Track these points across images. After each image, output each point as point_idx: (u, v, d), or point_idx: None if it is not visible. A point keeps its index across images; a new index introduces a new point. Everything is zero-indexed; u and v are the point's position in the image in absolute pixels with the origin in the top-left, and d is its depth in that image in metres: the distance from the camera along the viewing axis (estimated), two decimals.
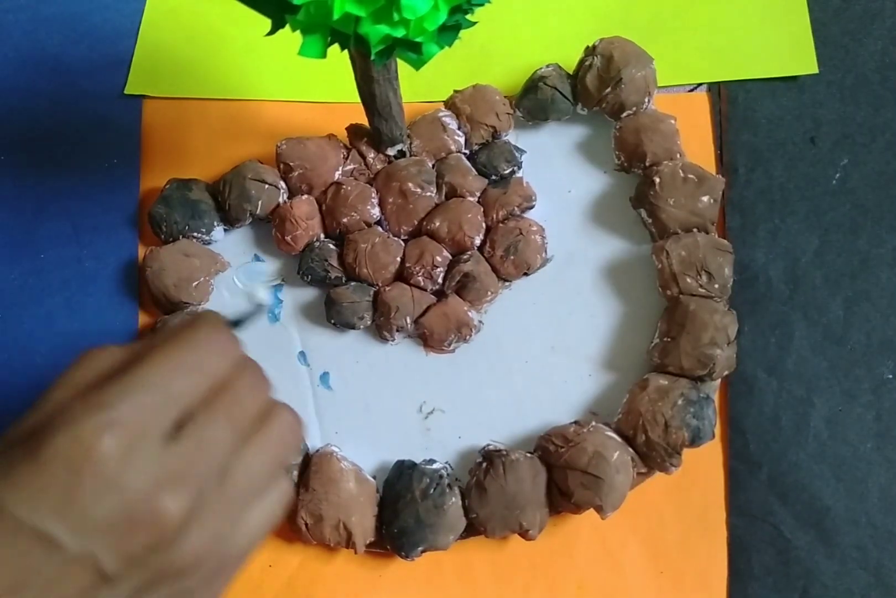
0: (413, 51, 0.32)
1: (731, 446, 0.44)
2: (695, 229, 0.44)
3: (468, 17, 0.33)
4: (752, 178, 0.47)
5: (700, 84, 0.50)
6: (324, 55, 0.31)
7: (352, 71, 0.38)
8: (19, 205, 0.51)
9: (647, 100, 0.45)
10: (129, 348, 0.27)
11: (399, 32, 0.30)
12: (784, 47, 0.49)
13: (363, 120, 0.44)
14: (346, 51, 0.33)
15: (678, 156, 0.45)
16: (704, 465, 0.44)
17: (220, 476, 0.25)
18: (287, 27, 0.31)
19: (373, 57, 0.30)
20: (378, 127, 0.43)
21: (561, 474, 0.40)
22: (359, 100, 0.41)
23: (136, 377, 0.24)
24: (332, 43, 0.31)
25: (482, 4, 0.32)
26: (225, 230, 0.48)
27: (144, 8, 0.54)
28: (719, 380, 0.43)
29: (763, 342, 0.45)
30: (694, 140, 0.47)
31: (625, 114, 0.46)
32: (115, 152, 0.51)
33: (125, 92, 0.52)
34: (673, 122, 0.45)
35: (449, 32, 0.32)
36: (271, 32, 0.32)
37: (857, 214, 0.46)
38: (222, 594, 0.27)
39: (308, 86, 0.52)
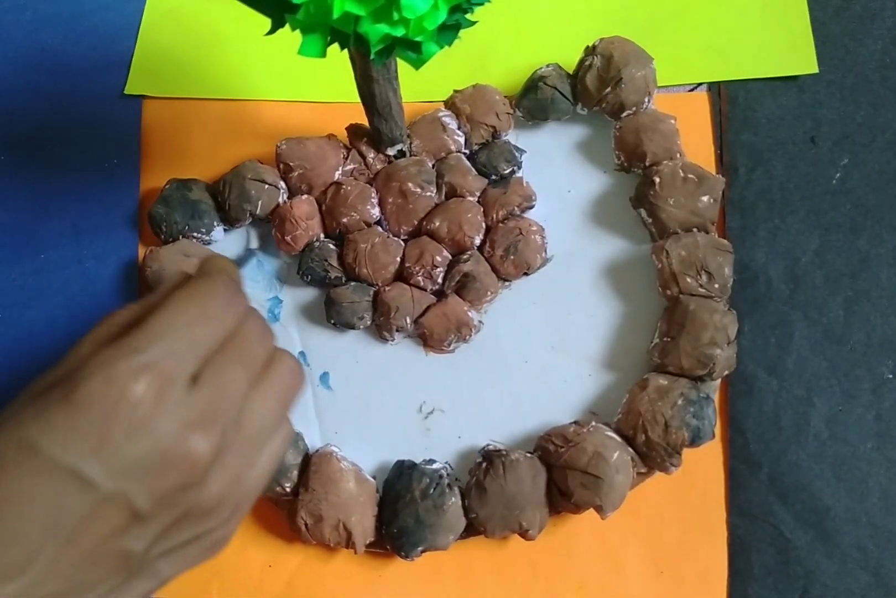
0: (413, 50, 0.32)
1: (731, 446, 0.44)
2: (695, 229, 0.44)
3: (468, 16, 0.33)
4: (752, 178, 0.47)
5: (700, 84, 0.50)
6: (323, 55, 0.31)
7: (352, 71, 0.38)
8: (19, 205, 0.51)
9: (647, 100, 0.45)
10: (146, 300, 0.27)
11: (399, 32, 0.30)
12: (784, 47, 0.49)
13: (363, 120, 0.44)
14: (345, 50, 0.33)
15: (678, 156, 0.45)
16: (704, 465, 0.44)
17: (236, 419, 0.26)
18: (287, 27, 0.31)
19: (372, 56, 0.30)
20: (378, 127, 0.43)
21: (561, 475, 0.40)
22: (359, 100, 0.41)
23: (163, 324, 0.25)
24: (331, 42, 0.31)
25: (482, 4, 0.32)
26: (225, 230, 0.48)
27: (144, 8, 0.54)
28: (719, 380, 0.43)
29: (763, 342, 0.45)
30: (694, 140, 0.47)
31: (625, 114, 0.46)
32: (115, 152, 0.51)
33: (125, 92, 0.52)
34: (673, 122, 0.45)
35: (449, 32, 0.32)
36: (271, 32, 0.32)
37: (857, 214, 0.46)
38: (234, 534, 0.29)
39: (308, 86, 0.52)
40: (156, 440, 0.23)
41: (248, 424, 0.26)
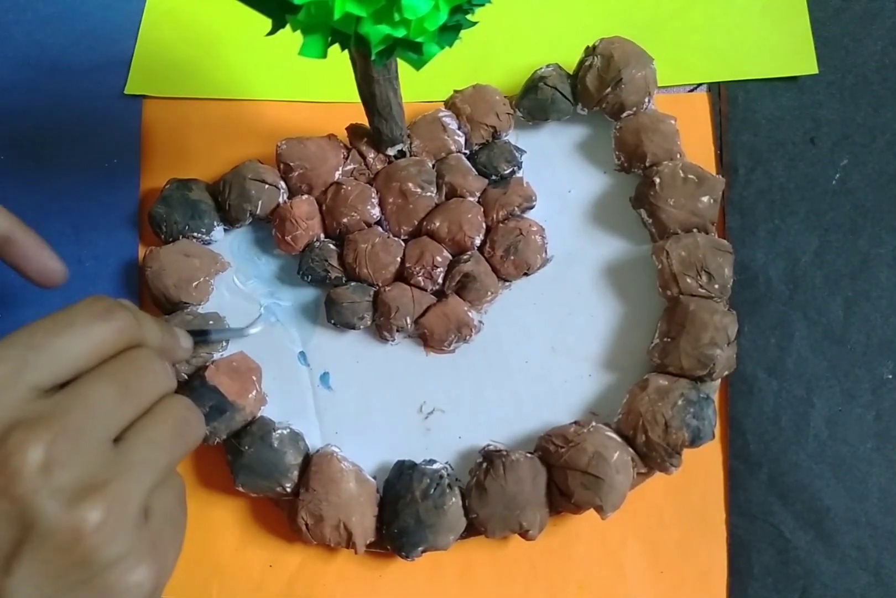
0: (414, 51, 0.32)
1: (731, 446, 0.44)
2: (695, 229, 0.44)
3: (469, 17, 0.33)
4: (752, 178, 0.47)
5: (700, 84, 0.50)
6: (324, 55, 0.31)
7: (352, 71, 0.39)
8: (19, 205, 0.51)
9: (647, 100, 0.45)
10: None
11: (400, 33, 0.30)
12: (784, 47, 0.49)
13: (363, 120, 0.44)
14: (346, 51, 0.33)
15: (678, 156, 0.45)
16: (704, 465, 0.44)
17: (106, 435, 0.25)
18: (287, 27, 0.31)
19: (373, 57, 0.30)
20: (378, 127, 0.43)
21: (561, 475, 0.40)
22: (359, 100, 0.41)
23: (8, 336, 0.26)
24: (332, 43, 0.31)
25: (483, 4, 0.32)
26: (225, 230, 0.48)
27: (144, 8, 0.54)
28: (719, 380, 0.43)
29: (763, 342, 0.45)
30: (694, 140, 0.47)
31: (625, 114, 0.46)
32: (115, 152, 0.51)
33: (125, 92, 0.52)
34: (673, 122, 0.45)
35: (449, 33, 0.32)
36: (272, 32, 0.32)
37: (857, 214, 0.46)
38: (167, 570, 0.27)
39: (308, 86, 0.52)
40: None
41: (130, 446, 0.26)
